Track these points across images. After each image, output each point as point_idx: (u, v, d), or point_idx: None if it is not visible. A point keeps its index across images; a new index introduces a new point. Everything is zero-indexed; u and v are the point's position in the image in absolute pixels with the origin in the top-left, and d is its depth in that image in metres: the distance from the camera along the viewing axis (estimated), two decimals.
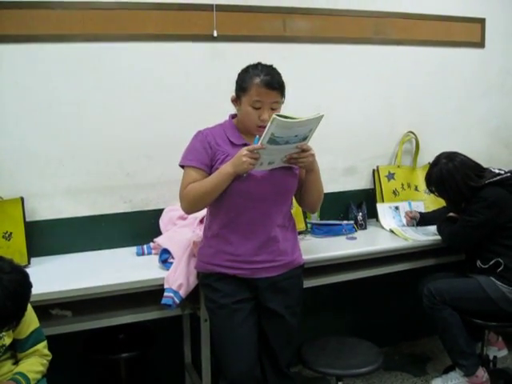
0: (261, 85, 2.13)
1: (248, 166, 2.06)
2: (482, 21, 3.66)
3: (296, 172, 2.30)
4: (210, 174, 2.21)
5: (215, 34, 2.92)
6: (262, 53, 2.93)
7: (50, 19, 2.64)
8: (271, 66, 2.22)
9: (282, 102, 2.22)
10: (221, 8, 2.91)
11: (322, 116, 2.04)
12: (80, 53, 2.72)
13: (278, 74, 2.20)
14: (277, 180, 2.22)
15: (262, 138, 2.02)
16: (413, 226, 3.24)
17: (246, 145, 2.21)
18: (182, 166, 2.27)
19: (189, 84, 2.95)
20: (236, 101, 2.24)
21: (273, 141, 2.01)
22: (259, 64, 2.22)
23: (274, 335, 2.35)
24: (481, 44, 3.70)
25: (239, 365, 2.23)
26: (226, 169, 2.12)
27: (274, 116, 1.94)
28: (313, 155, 2.19)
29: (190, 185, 2.19)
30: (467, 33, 3.62)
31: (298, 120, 1.99)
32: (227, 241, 2.24)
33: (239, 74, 2.24)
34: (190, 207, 2.27)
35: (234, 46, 3.00)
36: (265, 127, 2.09)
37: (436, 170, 2.88)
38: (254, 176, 2.17)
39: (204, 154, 2.21)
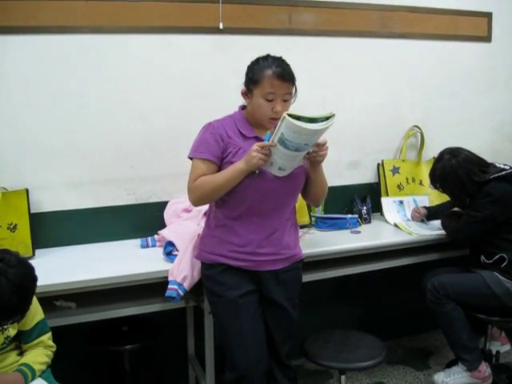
0: (273, 76, 2.11)
1: (258, 161, 2.04)
2: (488, 15, 3.64)
3: (305, 167, 2.29)
4: (219, 167, 2.21)
5: (221, 27, 2.91)
6: (268, 45, 2.92)
7: (55, 10, 2.63)
8: (281, 58, 2.20)
9: (295, 94, 2.22)
10: (227, 0, 2.90)
11: (331, 124, 1.99)
12: (84, 44, 2.72)
13: (288, 66, 2.19)
14: (289, 175, 2.19)
15: (272, 135, 2.02)
16: (422, 221, 3.24)
17: (257, 137, 2.22)
18: (191, 158, 2.26)
19: (194, 76, 2.94)
20: (246, 94, 2.22)
21: (282, 142, 1.99)
22: (269, 56, 2.20)
23: (277, 327, 2.37)
24: (487, 38, 3.68)
25: (248, 358, 2.25)
26: (239, 165, 2.11)
27: (284, 114, 1.92)
28: (327, 147, 2.17)
29: (199, 178, 2.18)
30: (474, 27, 3.61)
31: (307, 128, 1.93)
32: (233, 231, 2.24)
33: (249, 67, 2.22)
34: (198, 200, 2.27)
35: (240, 39, 2.99)
36: (277, 119, 2.08)
37: (439, 166, 2.87)
38: (267, 172, 2.16)
39: (216, 146, 2.19)
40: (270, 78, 2.12)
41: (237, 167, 2.12)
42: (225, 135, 2.21)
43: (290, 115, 1.92)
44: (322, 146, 2.14)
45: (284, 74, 2.13)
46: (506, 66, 3.79)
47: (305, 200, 2.53)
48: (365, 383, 3.23)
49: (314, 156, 2.16)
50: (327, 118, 1.98)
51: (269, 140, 2.06)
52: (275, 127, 2.02)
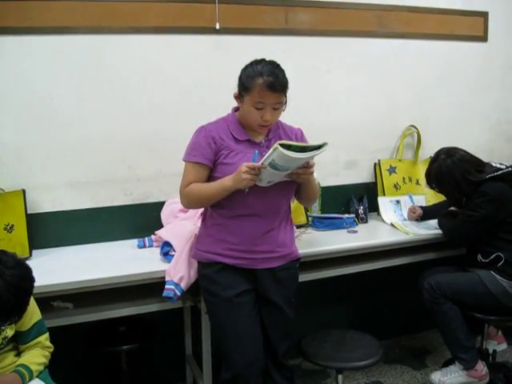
0: (263, 86, 2.09)
1: (249, 183, 2.08)
2: (484, 14, 3.65)
3: None
4: (212, 169, 2.23)
5: (217, 27, 2.91)
6: (264, 45, 2.97)
7: (51, 11, 2.63)
8: (275, 64, 2.17)
9: (285, 102, 2.19)
10: (223, 0, 2.90)
11: (325, 148, 2.04)
12: (81, 45, 2.72)
13: (282, 72, 2.16)
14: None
15: (263, 159, 2.04)
16: (416, 220, 3.24)
17: (249, 140, 2.24)
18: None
19: (191, 77, 2.94)
20: (238, 98, 2.22)
21: (273, 166, 2.02)
22: (263, 61, 2.17)
23: (273, 326, 2.37)
24: (483, 38, 3.68)
25: (244, 357, 2.25)
26: (227, 183, 2.13)
27: (276, 145, 1.94)
28: (313, 171, 2.20)
29: (191, 184, 2.22)
30: (470, 27, 3.61)
31: (299, 157, 1.99)
32: (229, 230, 2.25)
33: (242, 71, 2.20)
34: (189, 206, 2.41)
35: (237, 39, 2.99)
36: (267, 126, 2.17)
37: (435, 166, 2.88)
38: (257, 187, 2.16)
39: (208, 149, 2.20)
40: (259, 87, 2.10)
41: (225, 185, 2.14)
42: (217, 138, 2.22)
43: (281, 145, 1.94)
44: (309, 168, 2.16)
45: (275, 84, 2.10)
46: (502, 66, 3.80)
47: (297, 201, 2.54)
48: (362, 382, 3.23)
49: (295, 178, 2.18)
50: (319, 147, 2.03)
51: (256, 159, 2.10)
52: (266, 153, 2.03)
